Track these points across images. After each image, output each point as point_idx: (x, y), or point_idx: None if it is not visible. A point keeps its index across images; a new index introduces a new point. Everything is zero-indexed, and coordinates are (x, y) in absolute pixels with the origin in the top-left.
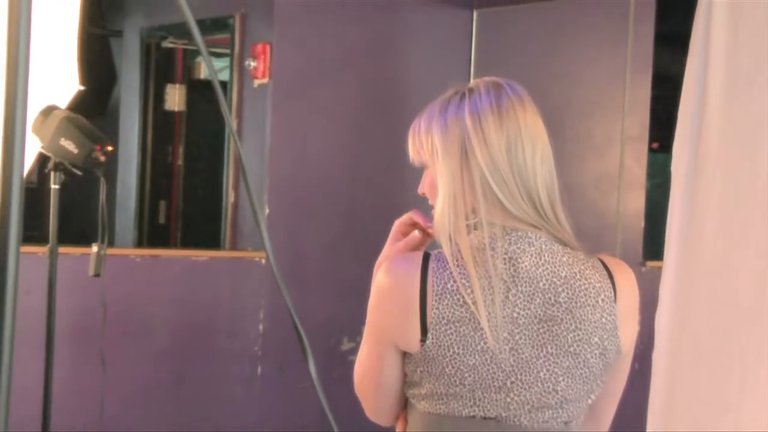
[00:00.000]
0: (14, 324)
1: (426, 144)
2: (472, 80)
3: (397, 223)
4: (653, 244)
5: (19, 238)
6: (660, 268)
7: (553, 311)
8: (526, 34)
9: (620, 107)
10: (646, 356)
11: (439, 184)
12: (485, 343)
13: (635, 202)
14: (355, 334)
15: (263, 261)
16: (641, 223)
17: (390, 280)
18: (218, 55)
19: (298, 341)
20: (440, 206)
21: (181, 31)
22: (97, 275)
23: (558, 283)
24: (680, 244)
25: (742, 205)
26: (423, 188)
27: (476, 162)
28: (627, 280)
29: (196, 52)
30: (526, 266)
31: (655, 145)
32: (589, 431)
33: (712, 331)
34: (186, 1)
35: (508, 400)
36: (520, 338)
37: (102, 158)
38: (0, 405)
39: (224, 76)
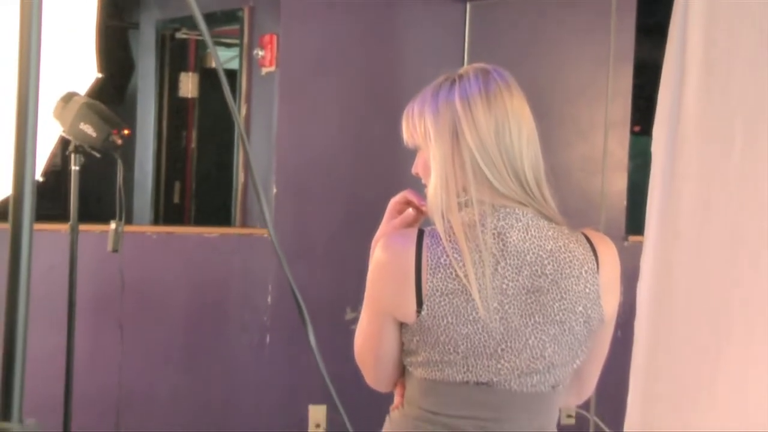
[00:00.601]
0: (29, 299)
1: (419, 127)
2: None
3: (393, 202)
4: (635, 220)
5: (32, 219)
6: (641, 243)
7: (540, 282)
8: (517, 25)
9: (604, 94)
10: (628, 325)
11: (432, 165)
12: (477, 313)
13: (618, 182)
14: (358, 305)
15: (268, 237)
16: (624, 201)
17: (387, 255)
18: (228, 45)
19: (298, 313)
20: (433, 186)
21: (193, 23)
22: (115, 251)
23: (544, 256)
24: (660, 219)
25: (717, 183)
26: (416, 169)
27: (466, 144)
28: (609, 253)
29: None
30: (514, 241)
31: (637, 129)
32: (575, 394)
33: (690, 301)
34: None
35: (499, 366)
36: (510, 308)
37: (119, 141)
38: (17, 371)
39: (234, 64)
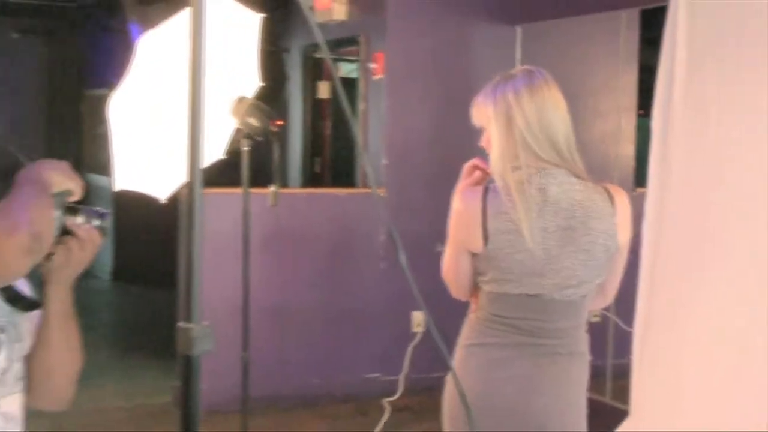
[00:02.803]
0: (201, 239)
1: (483, 113)
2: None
3: (466, 167)
4: (640, 177)
5: (201, 189)
6: (645, 193)
7: (572, 223)
8: (554, 38)
9: (616, 87)
10: (637, 251)
11: (493, 140)
12: (526, 245)
13: (628, 150)
14: (445, 240)
15: (383, 195)
16: (632, 163)
17: (462, 205)
18: (351, 61)
19: (393, 243)
20: (494, 155)
21: (328, 46)
22: (274, 205)
23: (574, 204)
24: (657, 175)
25: (698, 150)
26: (482, 143)
27: (516, 124)
28: (622, 201)
29: (337, 60)
30: (552, 193)
31: (641, 113)
32: (600, 301)
33: (679, 232)
34: (327, 28)
35: (544, 283)
36: (550, 241)
37: (275, 129)
38: (194, 286)
39: (355, 74)
